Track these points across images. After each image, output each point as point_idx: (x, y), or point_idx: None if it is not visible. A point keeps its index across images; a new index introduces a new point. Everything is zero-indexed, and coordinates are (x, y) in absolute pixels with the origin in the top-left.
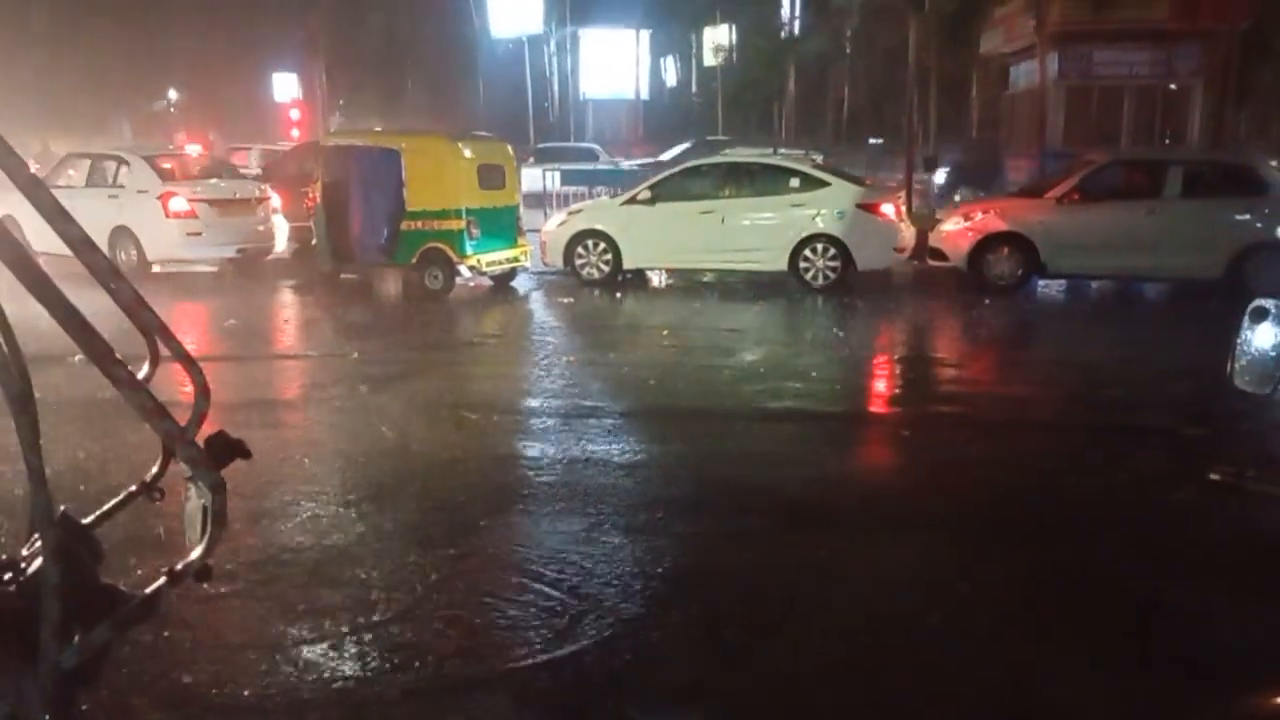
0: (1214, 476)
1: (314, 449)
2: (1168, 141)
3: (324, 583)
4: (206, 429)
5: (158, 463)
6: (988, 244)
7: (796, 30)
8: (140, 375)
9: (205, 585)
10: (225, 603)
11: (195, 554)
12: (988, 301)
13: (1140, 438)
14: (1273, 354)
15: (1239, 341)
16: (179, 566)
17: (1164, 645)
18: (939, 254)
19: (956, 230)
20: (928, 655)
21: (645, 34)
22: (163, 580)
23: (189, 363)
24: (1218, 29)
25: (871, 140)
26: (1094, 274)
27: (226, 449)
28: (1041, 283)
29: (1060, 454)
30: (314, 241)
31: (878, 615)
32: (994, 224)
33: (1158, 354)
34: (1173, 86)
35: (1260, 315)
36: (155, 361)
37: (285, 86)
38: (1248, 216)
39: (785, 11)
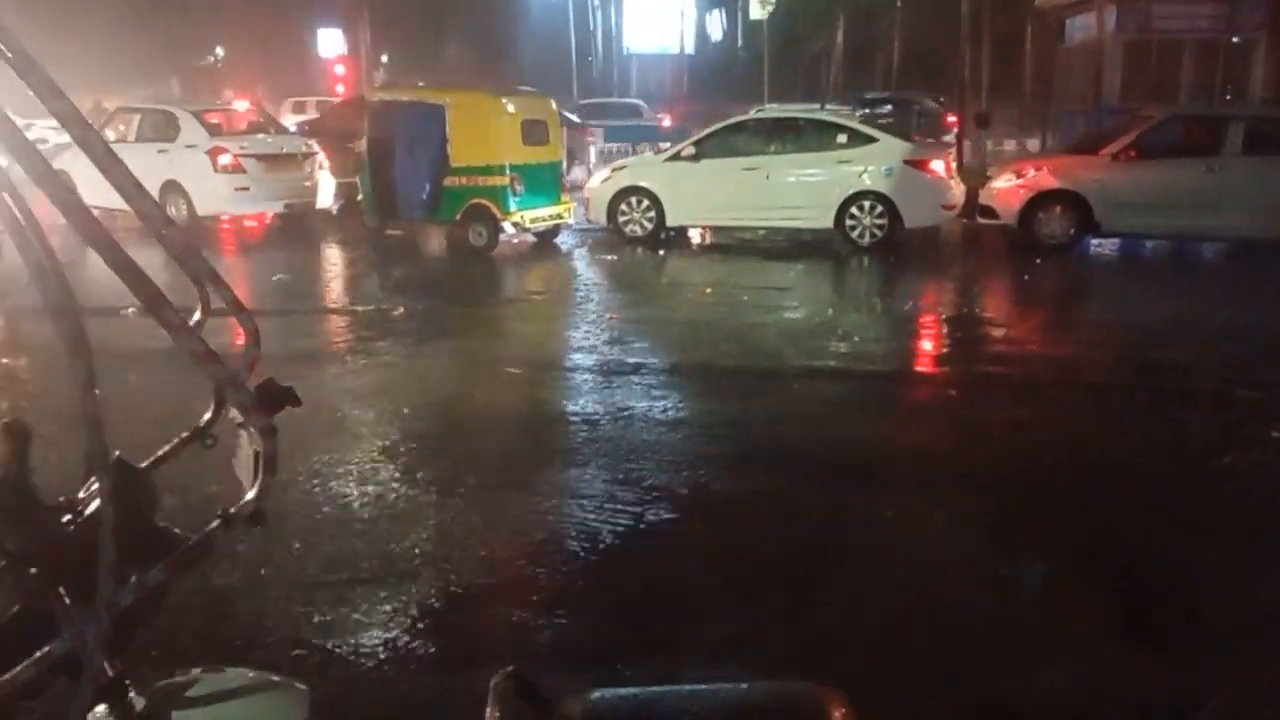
0: (1277, 434)
1: (357, 403)
2: (1229, 98)
3: (364, 534)
4: (256, 377)
5: (210, 409)
6: (1040, 202)
7: None
8: (191, 322)
9: (256, 529)
10: (269, 551)
11: (248, 499)
12: (1039, 260)
13: (1194, 399)
14: None
15: None
16: (232, 511)
17: (1219, 612)
18: (989, 212)
19: (1008, 187)
20: (966, 614)
21: None
22: (216, 524)
23: (240, 310)
24: None
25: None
26: (1150, 233)
27: (277, 396)
28: (1094, 242)
29: (1111, 416)
30: (359, 197)
31: (919, 574)
32: (1047, 181)
33: (1213, 315)
34: (1235, 40)
35: None
36: (206, 309)
37: (330, 42)
38: None
39: None
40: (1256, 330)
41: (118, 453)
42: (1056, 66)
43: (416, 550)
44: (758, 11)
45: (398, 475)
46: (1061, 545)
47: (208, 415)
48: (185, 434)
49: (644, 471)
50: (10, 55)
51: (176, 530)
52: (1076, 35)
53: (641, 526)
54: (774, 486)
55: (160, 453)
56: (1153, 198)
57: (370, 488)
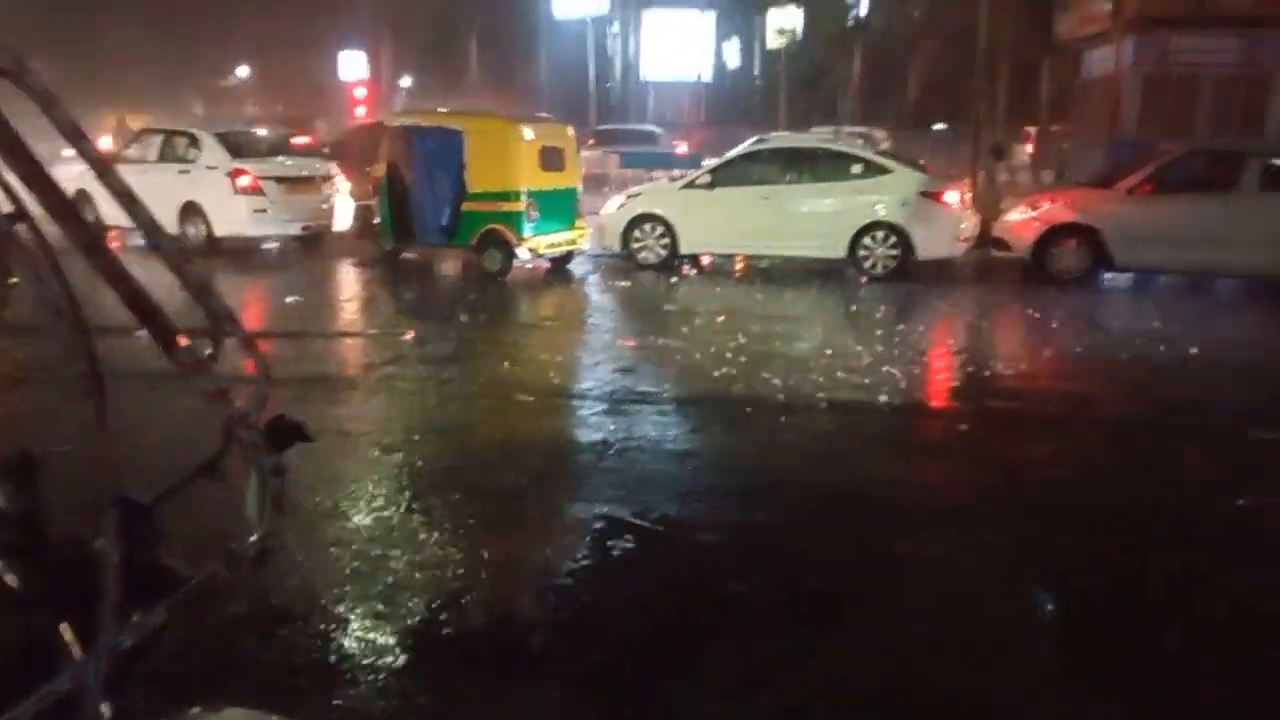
0: None
1: (367, 429)
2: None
3: (367, 567)
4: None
5: (219, 444)
6: (1054, 235)
7: (863, 12)
8: (205, 355)
9: (263, 568)
10: (275, 579)
11: (254, 538)
12: (1052, 294)
13: (1209, 440)
14: None
15: None
16: (236, 550)
17: (1228, 660)
18: (1003, 244)
19: (1022, 220)
20: (981, 654)
21: (709, 15)
22: (220, 563)
23: (252, 348)
24: None
25: (936, 126)
26: (1165, 269)
27: (288, 432)
28: (1108, 276)
29: (1122, 454)
30: (376, 220)
31: (931, 612)
32: (1061, 214)
33: (1229, 354)
34: (1258, 74)
35: None
36: (219, 344)
37: (352, 65)
38: None
39: None
40: (1272, 370)
41: (124, 488)
42: (1074, 99)
43: (420, 585)
44: (774, 41)
45: (403, 506)
46: (1071, 583)
47: (216, 450)
48: (193, 468)
49: (653, 503)
50: (36, 92)
51: (180, 568)
52: (1094, 68)
53: (649, 560)
54: (784, 520)
55: (167, 487)
56: (1168, 233)
57: (374, 518)
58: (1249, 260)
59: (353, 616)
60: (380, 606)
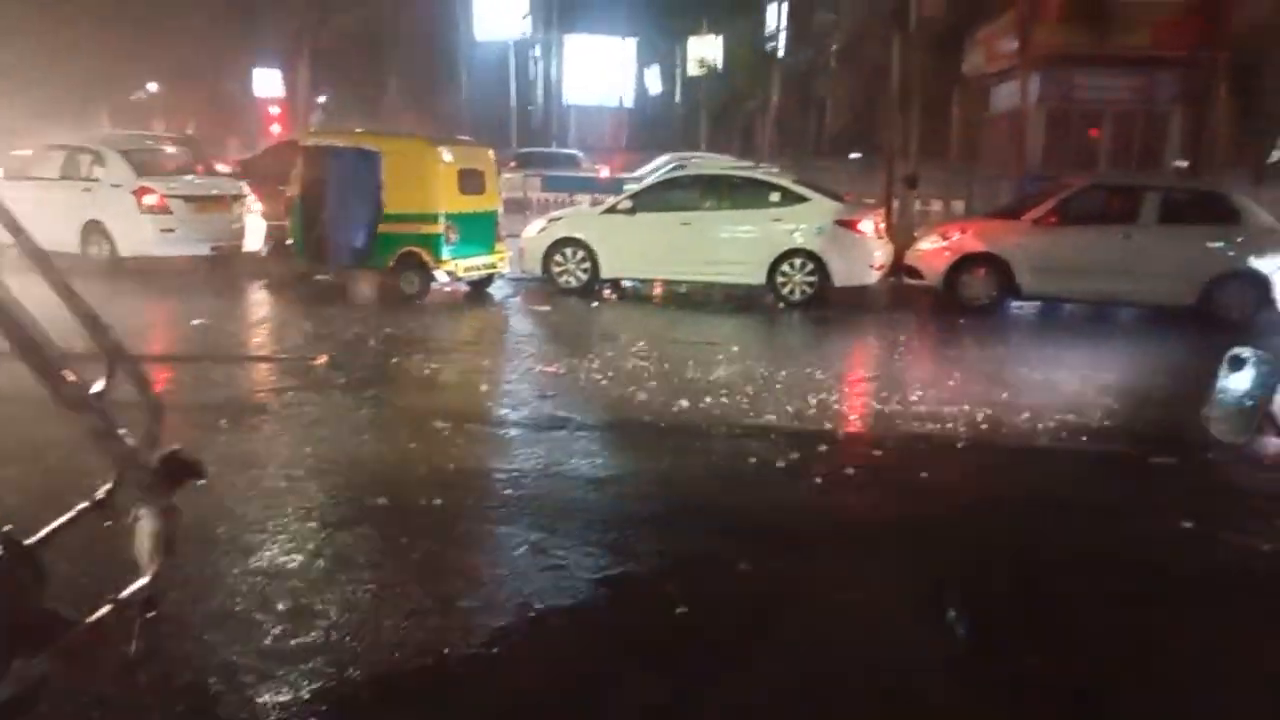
0: (1187, 525)
1: (275, 457)
2: (1171, 167)
3: (279, 599)
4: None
5: (111, 480)
6: (964, 264)
7: (781, 44)
8: (94, 391)
9: (152, 613)
10: (174, 620)
11: (143, 581)
12: (962, 322)
13: (1107, 464)
14: (1249, 403)
15: (1216, 390)
16: (124, 594)
17: (1134, 680)
18: (914, 272)
19: (933, 249)
20: (889, 684)
21: (631, 42)
22: (107, 609)
23: (144, 386)
24: (1199, 56)
25: (851, 156)
26: (1069, 297)
27: (181, 470)
28: (1016, 305)
29: (1028, 479)
30: (289, 241)
31: (846, 641)
32: (970, 244)
33: (1129, 380)
34: (1155, 110)
35: (1237, 364)
36: (112, 376)
37: (267, 82)
38: (1220, 244)
39: (771, 24)
40: (1171, 396)
41: (8, 527)
42: (982, 132)
43: (331, 623)
44: (695, 69)
45: (312, 541)
46: (979, 607)
47: (107, 487)
48: (81, 506)
49: (571, 532)
50: None
51: (66, 612)
52: (1001, 103)
53: (566, 591)
54: (702, 547)
55: (52, 526)
56: (1071, 263)
57: (282, 554)
58: (1145, 289)
59: (258, 659)
60: (288, 647)
